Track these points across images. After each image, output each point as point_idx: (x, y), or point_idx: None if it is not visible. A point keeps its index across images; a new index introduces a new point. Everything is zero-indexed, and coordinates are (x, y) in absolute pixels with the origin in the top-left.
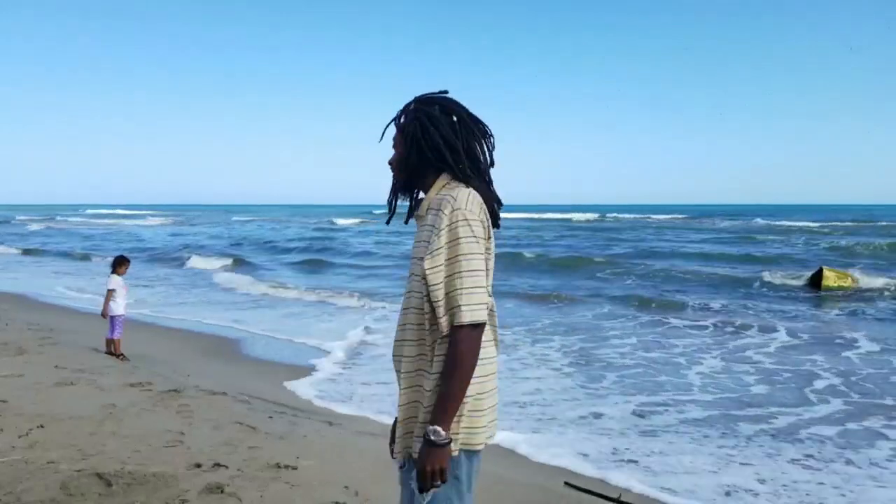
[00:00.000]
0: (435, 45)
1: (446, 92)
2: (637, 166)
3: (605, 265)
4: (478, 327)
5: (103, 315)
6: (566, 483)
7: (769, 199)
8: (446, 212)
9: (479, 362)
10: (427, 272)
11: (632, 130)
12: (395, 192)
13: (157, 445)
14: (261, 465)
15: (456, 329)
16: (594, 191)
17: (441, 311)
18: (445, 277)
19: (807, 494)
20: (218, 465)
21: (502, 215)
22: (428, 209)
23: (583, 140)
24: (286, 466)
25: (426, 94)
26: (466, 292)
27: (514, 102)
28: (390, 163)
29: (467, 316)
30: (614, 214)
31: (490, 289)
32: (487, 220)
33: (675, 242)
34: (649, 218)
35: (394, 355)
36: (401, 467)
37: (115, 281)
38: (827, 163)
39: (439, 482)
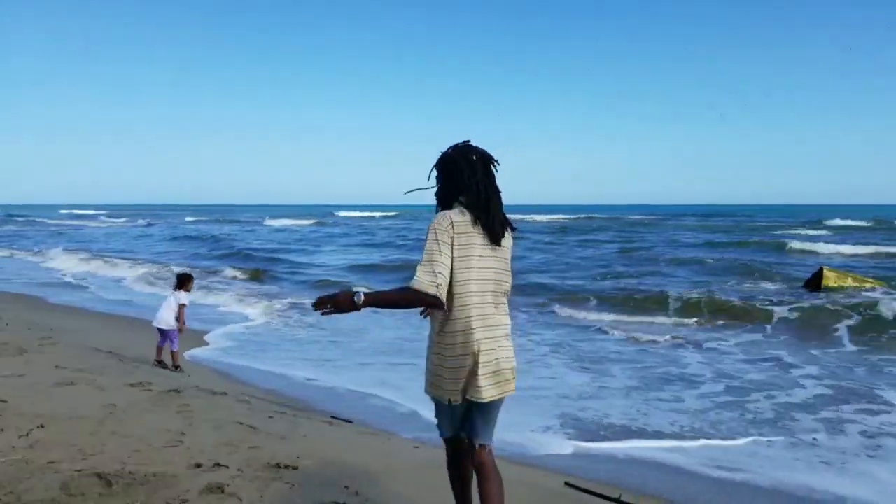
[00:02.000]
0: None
1: (469, 141)
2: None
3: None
4: (418, 292)
5: (180, 330)
6: (566, 483)
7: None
8: (432, 222)
9: (441, 340)
10: None
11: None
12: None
13: (158, 445)
14: (261, 465)
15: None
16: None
17: None
18: None
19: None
20: (218, 465)
21: None
22: None
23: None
24: (286, 466)
25: (454, 147)
26: (419, 269)
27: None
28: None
29: (413, 282)
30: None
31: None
32: (454, 230)
33: (665, 244)
34: (623, 218)
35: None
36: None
37: (183, 296)
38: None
39: (327, 309)
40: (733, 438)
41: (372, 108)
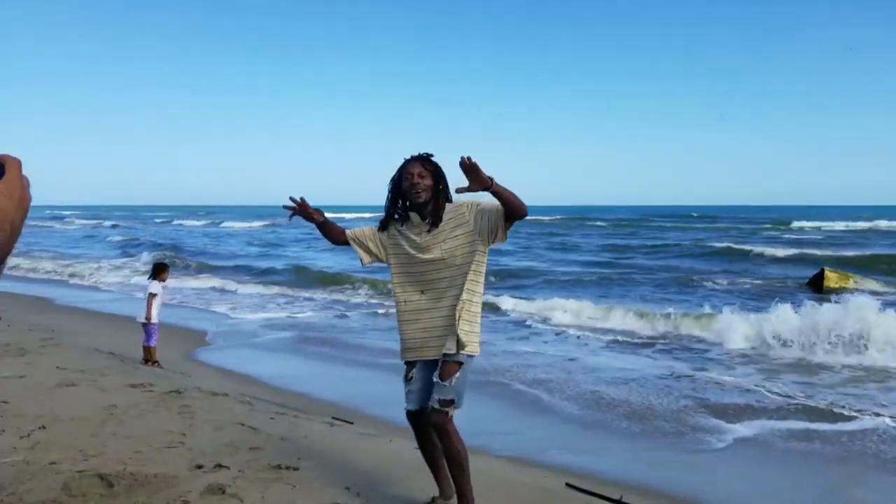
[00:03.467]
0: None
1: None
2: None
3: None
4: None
5: (147, 319)
6: (567, 484)
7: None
8: (468, 202)
9: (478, 300)
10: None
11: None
12: (395, 204)
13: (159, 446)
14: (262, 466)
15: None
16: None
17: (502, 231)
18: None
19: None
20: (219, 466)
21: None
22: (450, 216)
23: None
24: (287, 467)
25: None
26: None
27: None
28: (418, 184)
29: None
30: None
31: None
32: None
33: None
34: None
35: (427, 309)
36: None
37: (156, 286)
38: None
39: (469, 165)
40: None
41: (367, 108)
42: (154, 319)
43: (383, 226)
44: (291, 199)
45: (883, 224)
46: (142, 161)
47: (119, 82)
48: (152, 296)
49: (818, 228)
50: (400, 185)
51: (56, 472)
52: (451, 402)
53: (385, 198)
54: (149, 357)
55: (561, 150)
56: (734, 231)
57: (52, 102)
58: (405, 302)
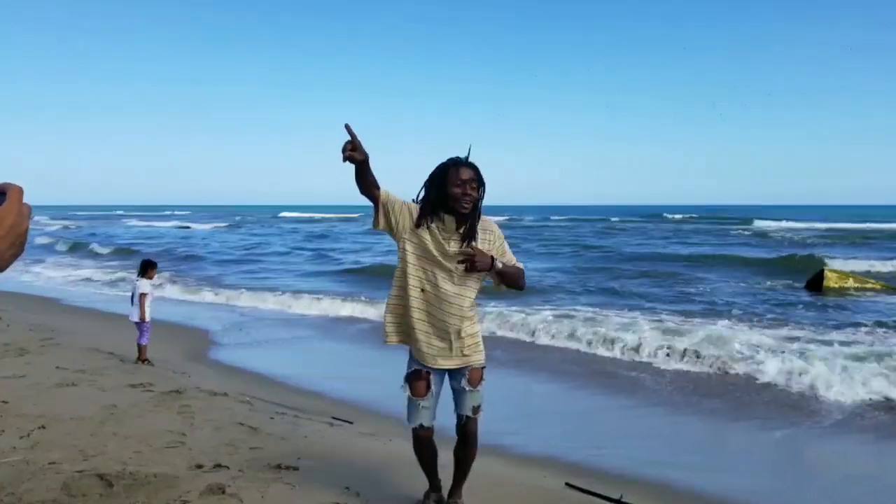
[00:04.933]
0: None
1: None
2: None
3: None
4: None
5: (141, 318)
6: (567, 484)
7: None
8: (497, 231)
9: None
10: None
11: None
12: (434, 209)
13: (159, 446)
14: (262, 466)
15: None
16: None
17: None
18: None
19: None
20: (219, 465)
21: None
22: (481, 236)
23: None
24: (287, 467)
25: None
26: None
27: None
28: (470, 195)
29: (520, 266)
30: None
31: None
32: None
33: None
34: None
35: (440, 320)
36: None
37: (146, 285)
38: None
39: (479, 265)
40: None
41: (368, 106)
42: (147, 318)
43: (417, 223)
44: (347, 126)
45: (841, 225)
46: (141, 162)
47: (118, 82)
48: (143, 295)
49: (789, 229)
50: (443, 188)
51: (56, 472)
52: (480, 408)
53: (419, 194)
54: (139, 354)
55: (544, 151)
56: (715, 232)
57: (48, 102)
58: (398, 295)
